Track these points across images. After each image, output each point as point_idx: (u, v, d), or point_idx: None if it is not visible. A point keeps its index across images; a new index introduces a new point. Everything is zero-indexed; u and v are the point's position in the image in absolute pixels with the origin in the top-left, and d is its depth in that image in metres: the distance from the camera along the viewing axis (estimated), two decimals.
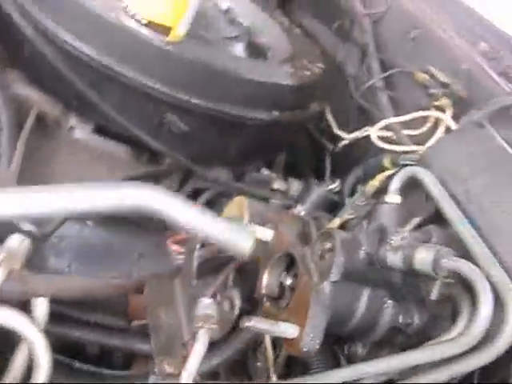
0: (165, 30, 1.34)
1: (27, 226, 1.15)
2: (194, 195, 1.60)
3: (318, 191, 1.51)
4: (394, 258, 1.01)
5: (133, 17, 1.33)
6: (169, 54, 1.34)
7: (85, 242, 1.39)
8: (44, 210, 0.88)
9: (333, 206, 1.51)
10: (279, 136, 1.60)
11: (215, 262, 1.27)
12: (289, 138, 1.71)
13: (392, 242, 1.00)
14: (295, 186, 1.68)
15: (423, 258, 0.96)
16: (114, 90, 1.37)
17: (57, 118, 1.50)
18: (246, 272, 1.18)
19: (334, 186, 1.54)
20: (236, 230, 0.98)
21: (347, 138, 1.61)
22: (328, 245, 1.03)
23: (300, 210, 1.49)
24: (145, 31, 1.33)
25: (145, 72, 1.35)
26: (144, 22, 1.32)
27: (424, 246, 0.98)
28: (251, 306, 1.11)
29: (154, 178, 1.59)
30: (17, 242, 1.07)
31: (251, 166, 1.70)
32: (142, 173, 1.51)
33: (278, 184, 1.66)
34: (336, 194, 1.54)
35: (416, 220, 1.04)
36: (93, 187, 0.90)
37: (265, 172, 1.69)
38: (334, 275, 0.98)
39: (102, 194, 0.89)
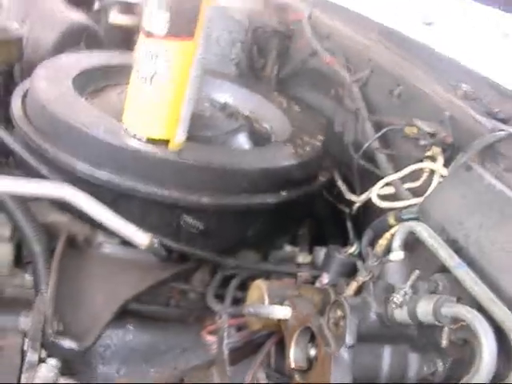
0: (165, 141, 1.46)
1: (68, 344, 1.25)
2: (225, 283, 1.68)
3: (339, 259, 1.55)
4: (401, 314, 1.06)
5: (134, 137, 1.45)
6: (172, 162, 1.45)
7: (129, 347, 1.48)
8: None
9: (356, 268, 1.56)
10: (293, 212, 1.67)
11: (250, 344, 1.35)
12: (304, 211, 1.78)
13: (395, 299, 1.06)
14: (321, 254, 1.73)
15: (424, 309, 1.01)
16: (131, 205, 1.48)
17: (86, 236, 1.60)
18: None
19: (354, 249, 1.59)
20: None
21: (358, 200, 1.67)
22: (340, 312, 1.10)
23: (325, 278, 1.55)
24: (147, 147, 1.44)
25: (156, 183, 1.45)
26: (144, 139, 1.44)
27: (424, 298, 1.03)
28: None
29: (186, 274, 1.70)
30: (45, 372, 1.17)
31: (275, 245, 1.77)
32: (173, 273, 1.59)
33: (302, 257, 1.73)
34: (357, 256, 1.59)
35: (417, 272, 1.09)
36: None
37: (287, 248, 1.76)
38: (349, 340, 1.05)
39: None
